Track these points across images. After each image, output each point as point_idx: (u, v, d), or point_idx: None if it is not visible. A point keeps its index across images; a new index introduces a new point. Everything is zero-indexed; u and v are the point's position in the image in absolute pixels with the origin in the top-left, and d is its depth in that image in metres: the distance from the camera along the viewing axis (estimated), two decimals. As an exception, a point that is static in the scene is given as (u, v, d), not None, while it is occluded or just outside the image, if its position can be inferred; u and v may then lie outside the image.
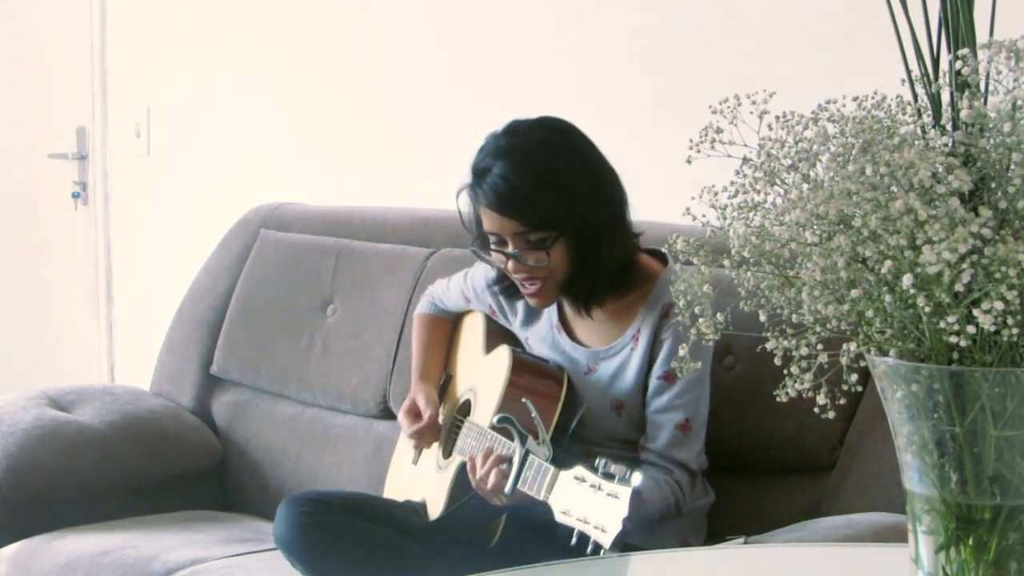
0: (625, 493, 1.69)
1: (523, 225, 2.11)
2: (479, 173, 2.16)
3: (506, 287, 2.30)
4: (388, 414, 2.77)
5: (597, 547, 1.71)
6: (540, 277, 2.15)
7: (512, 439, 1.98)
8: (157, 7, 4.08)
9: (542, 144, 2.15)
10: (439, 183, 3.29)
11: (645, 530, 2.08)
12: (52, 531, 2.68)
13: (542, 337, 2.28)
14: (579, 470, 1.79)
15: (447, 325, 2.51)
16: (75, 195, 4.35)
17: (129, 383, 3.44)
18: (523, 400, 2.06)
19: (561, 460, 1.90)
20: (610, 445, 2.17)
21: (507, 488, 1.95)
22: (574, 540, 1.74)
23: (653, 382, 2.14)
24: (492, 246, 2.17)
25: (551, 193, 2.11)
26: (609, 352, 2.20)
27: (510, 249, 2.14)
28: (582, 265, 2.14)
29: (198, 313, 3.14)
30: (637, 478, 1.70)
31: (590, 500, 1.74)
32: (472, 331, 2.44)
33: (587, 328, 2.24)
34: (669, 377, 2.12)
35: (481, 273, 2.38)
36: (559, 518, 1.79)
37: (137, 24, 4.14)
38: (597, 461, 1.76)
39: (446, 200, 3.06)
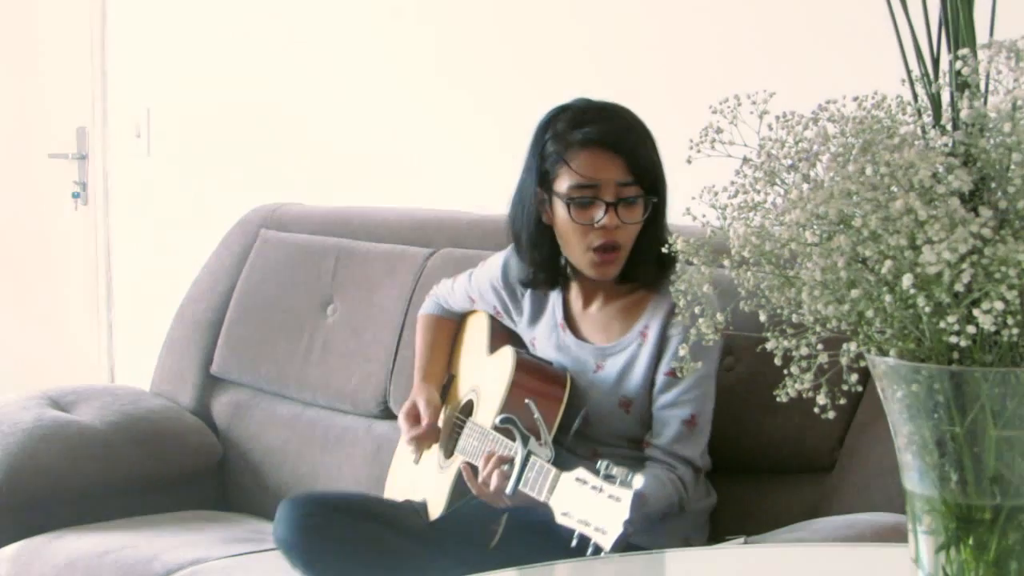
0: (627, 495, 1.69)
1: (628, 171, 2.09)
2: (578, 120, 2.13)
3: (542, 279, 2.26)
4: (388, 414, 2.77)
5: (597, 549, 1.71)
6: (620, 243, 2.12)
7: (514, 439, 1.98)
8: (157, 7, 4.08)
9: (628, 109, 2.17)
10: (439, 183, 3.30)
11: (647, 529, 2.08)
12: (52, 531, 2.68)
13: (547, 336, 2.28)
14: (581, 472, 1.78)
15: (451, 325, 2.51)
16: (75, 195, 4.35)
17: (129, 383, 3.44)
18: (526, 401, 2.05)
19: (564, 461, 1.90)
20: (618, 444, 2.17)
21: (508, 489, 1.95)
22: (574, 542, 1.74)
23: (660, 378, 2.14)
24: (580, 195, 2.11)
25: (654, 151, 2.14)
26: (616, 348, 2.19)
27: (609, 197, 2.10)
28: (653, 233, 2.12)
29: (198, 313, 3.14)
30: (639, 480, 1.70)
31: (591, 502, 1.74)
32: (476, 331, 2.44)
33: (592, 325, 2.24)
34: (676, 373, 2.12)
35: (487, 275, 2.38)
36: (560, 520, 1.79)
37: (137, 24, 4.14)
38: (599, 463, 1.75)
39: (446, 200, 3.08)
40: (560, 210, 2.15)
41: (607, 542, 1.70)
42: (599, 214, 2.11)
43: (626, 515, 1.68)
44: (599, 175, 2.11)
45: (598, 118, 2.13)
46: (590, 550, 1.72)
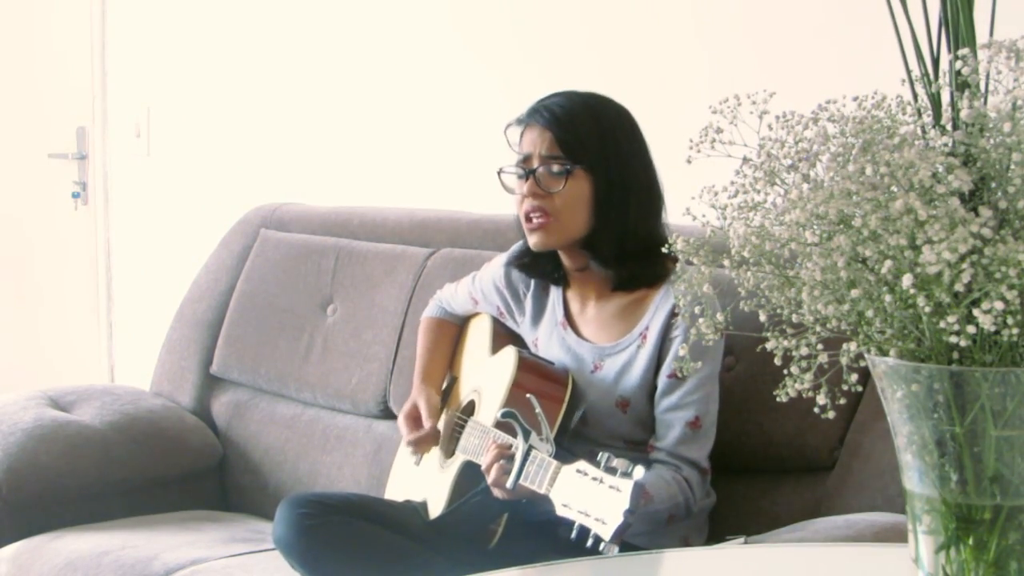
0: (627, 486, 1.69)
1: (553, 142, 2.16)
2: (534, 103, 2.23)
3: (525, 263, 2.31)
4: (388, 414, 2.77)
5: (597, 540, 1.71)
6: (548, 211, 2.17)
7: (515, 435, 1.98)
8: (157, 7, 4.08)
9: (599, 97, 2.23)
10: (439, 183, 3.30)
11: (653, 530, 2.08)
12: (52, 531, 2.68)
13: (548, 335, 2.28)
14: (581, 464, 1.78)
15: (453, 328, 2.51)
16: (75, 195, 4.35)
17: (129, 383, 3.44)
18: (527, 396, 2.06)
19: (564, 458, 1.89)
20: (615, 444, 2.17)
21: (509, 483, 1.95)
22: (574, 533, 1.74)
23: (663, 380, 2.14)
24: (516, 166, 2.21)
25: (595, 127, 2.18)
26: (615, 349, 2.20)
27: (532, 166, 2.18)
28: (606, 217, 2.16)
29: (198, 313, 3.14)
30: (640, 472, 1.69)
31: (591, 493, 1.74)
32: (478, 333, 2.44)
33: (593, 325, 2.25)
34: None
35: (490, 275, 2.39)
36: (560, 511, 1.78)
37: (137, 24, 4.15)
38: (600, 456, 1.75)
39: (446, 200, 3.08)
40: None
41: (607, 532, 1.69)
42: (523, 181, 2.19)
43: (626, 505, 1.68)
44: (529, 148, 2.20)
45: (549, 99, 2.22)
46: (590, 541, 1.71)
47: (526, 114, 2.22)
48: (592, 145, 2.16)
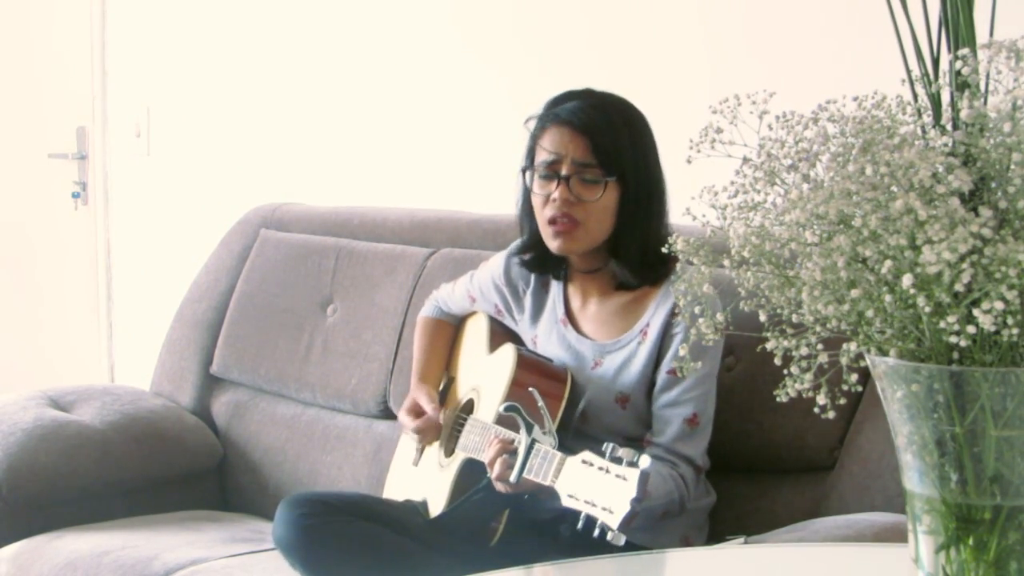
0: (633, 475, 1.68)
1: (589, 150, 2.13)
2: (557, 101, 2.20)
3: (528, 259, 2.29)
4: (388, 414, 2.77)
5: (604, 530, 1.71)
6: (576, 218, 2.15)
7: (517, 430, 1.98)
8: (157, 7, 4.08)
9: (623, 101, 2.21)
10: (439, 183, 3.30)
11: (647, 526, 2.08)
12: (52, 531, 2.68)
13: (548, 332, 2.28)
14: (586, 454, 1.78)
15: (449, 328, 2.51)
16: (75, 195, 4.35)
17: (129, 383, 3.44)
18: (529, 389, 2.06)
19: (566, 452, 1.89)
20: (615, 440, 2.16)
21: (513, 476, 1.95)
22: (580, 524, 1.74)
23: (662, 376, 2.14)
24: (543, 167, 2.17)
25: (629, 137, 2.16)
26: (616, 345, 2.20)
27: (564, 171, 2.14)
28: (629, 223, 2.15)
29: (198, 313, 3.14)
30: (645, 460, 1.69)
31: (598, 483, 1.73)
32: (475, 332, 2.44)
33: (593, 322, 2.25)
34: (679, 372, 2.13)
35: (488, 273, 2.39)
36: (566, 502, 1.78)
37: (137, 24, 4.15)
38: (605, 446, 1.75)
39: (446, 200, 3.08)
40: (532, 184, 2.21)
41: (614, 521, 1.69)
42: (554, 187, 2.15)
43: (633, 494, 1.67)
44: (560, 150, 2.15)
45: (573, 99, 2.19)
46: (597, 531, 1.71)
47: (553, 112, 2.18)
48: (626, 156, 2.15)
